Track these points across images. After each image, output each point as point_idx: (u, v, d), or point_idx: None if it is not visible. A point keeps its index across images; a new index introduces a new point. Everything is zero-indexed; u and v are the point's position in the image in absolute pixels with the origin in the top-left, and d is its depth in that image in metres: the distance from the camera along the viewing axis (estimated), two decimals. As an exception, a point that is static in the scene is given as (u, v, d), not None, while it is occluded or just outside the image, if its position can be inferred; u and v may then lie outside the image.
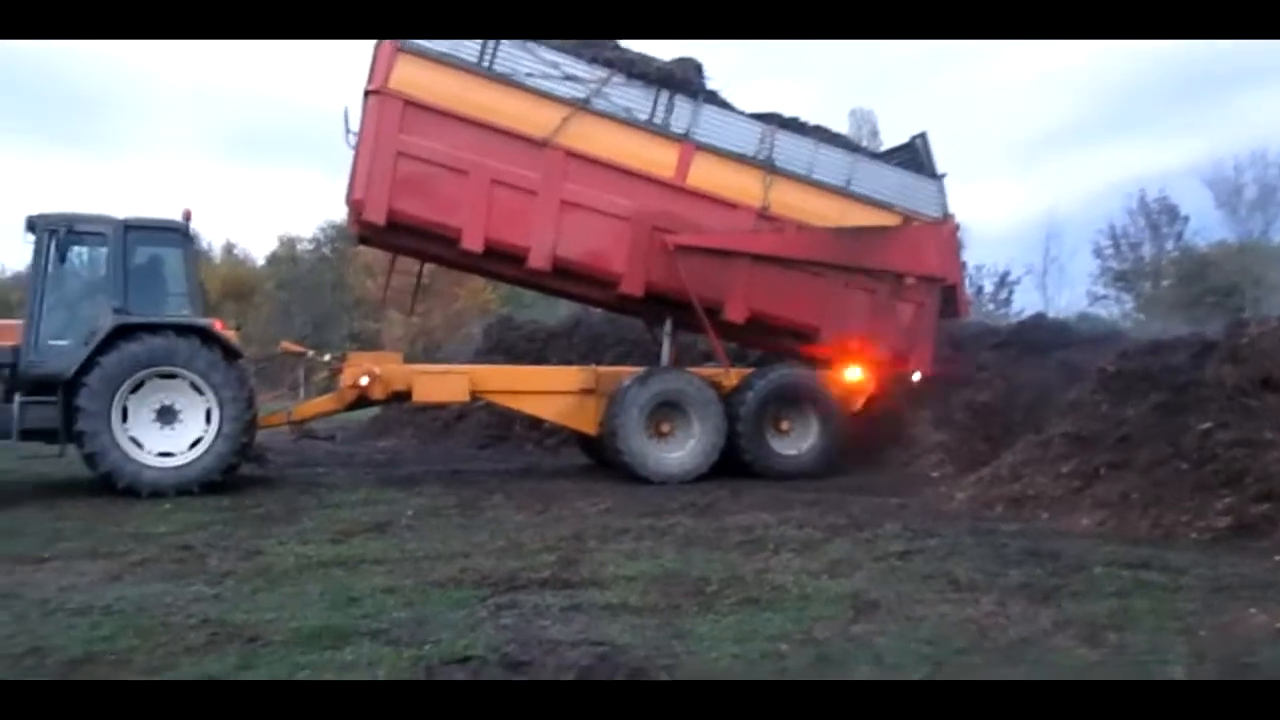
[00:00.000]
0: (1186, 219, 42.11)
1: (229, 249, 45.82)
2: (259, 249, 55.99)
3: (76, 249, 11.09)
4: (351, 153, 11.88)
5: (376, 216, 11.69)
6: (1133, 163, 64.64)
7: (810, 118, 13.10)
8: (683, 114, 12.28)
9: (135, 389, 10.57)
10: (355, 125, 11.85)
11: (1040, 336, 15.15)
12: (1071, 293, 47.16)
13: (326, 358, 14.01)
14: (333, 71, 59.87)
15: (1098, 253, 43.45)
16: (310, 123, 67.32)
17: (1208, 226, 42.83)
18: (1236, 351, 9.39)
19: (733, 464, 12.20)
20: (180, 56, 72.27)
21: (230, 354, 10.99)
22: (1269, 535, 7.45)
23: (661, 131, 12.22)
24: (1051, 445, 9.73)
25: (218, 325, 11.25)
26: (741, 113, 12.63)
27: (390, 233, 12.10)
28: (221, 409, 10.73)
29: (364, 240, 13.42)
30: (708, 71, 12.66)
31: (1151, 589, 6.04)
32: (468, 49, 11.64)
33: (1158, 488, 8.41)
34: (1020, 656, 4.73)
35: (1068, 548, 7.28)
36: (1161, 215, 42.27)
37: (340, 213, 41.37)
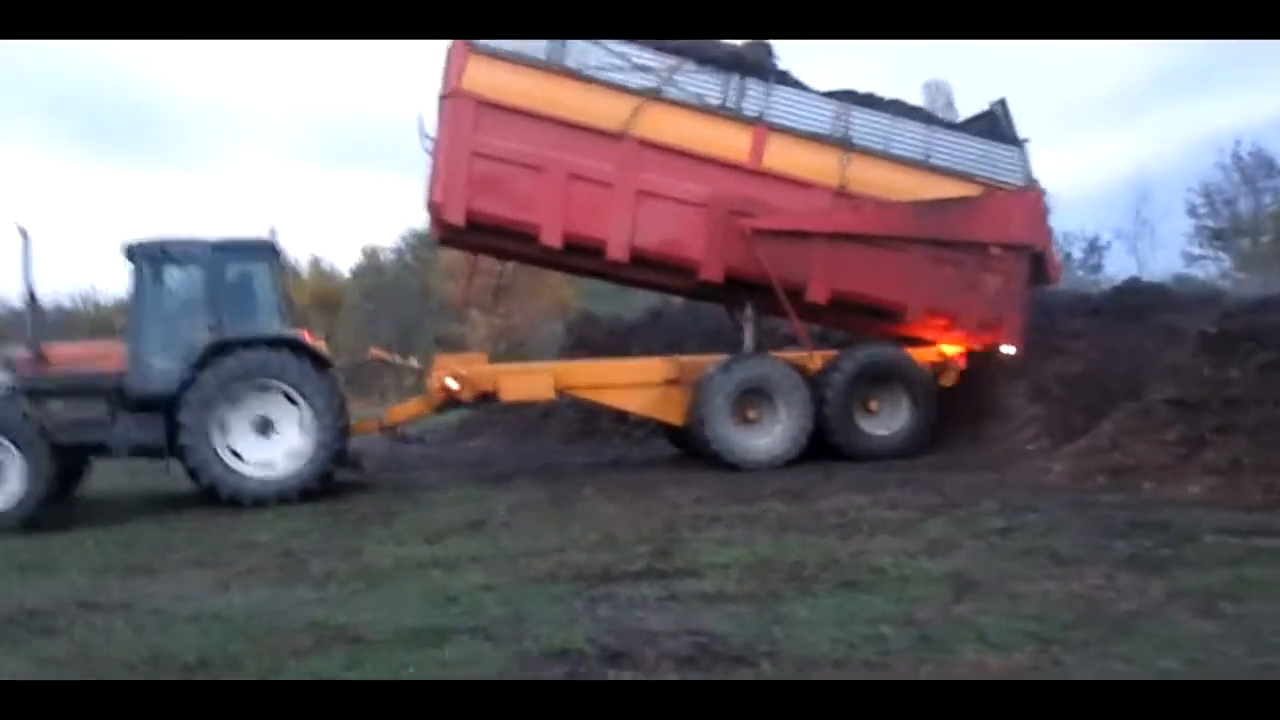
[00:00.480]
0: (1284, 171, 40.41)
1: (315, 262, 46.85)
2: (344, 260, 57.34)
3: (171, 272, 11.44)
4: (428, 157, 12.05)
5: (456, 218, 11.85)
6: (1222, 115, 62.18)
7: (884, 93, 12.91)
8: (755, 96, 12.18)
9: (233, 402, 10.88)
10: (430, 130, 12.02)
11: (1135, 301, 14.68)
12: (1166, 255, 45.58)
13: (414, 362, 14.23)
14: (406, 77, 60.82)
15: (1191, 211, 41.89)
16: (387, 130, 68.44)
17: (1308, 178, 40.88)
18: (1347, 305, 8.98)
19: (823, 447, 12.07)
20: (255, 68, 74.07)
21: (321, 363, 11.23)
22: (1392, 495, 7.12)
23: (734, 115, 12.14)
24: (1153, 412, 9.42)
25: (307, 336, 11.51)
26: (815, 91, 12.48)
27: (470, 233, 12.25)
28: (315, 418, 10.98)
29: (445, 242, 13.61)
30: (778, 52, 12.56)
31: (1268, 556, 5.82)
32: (537, 46, 11.71)
33: (1270, 451, 8.08)
34: (1133, 630, 4.58)
35: (1176, 517, 7.04)
36: (1257, 168, 40.60)
37: (421, 219, 42.13)
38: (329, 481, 11.27)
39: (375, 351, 15.38)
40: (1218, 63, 60.31)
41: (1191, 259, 41.30)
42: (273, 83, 73.87)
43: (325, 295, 41.31)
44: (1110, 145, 62.62)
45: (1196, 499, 7.87)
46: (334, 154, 71.78)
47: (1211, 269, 40.19)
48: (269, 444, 11.02)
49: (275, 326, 11.34)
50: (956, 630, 4.70)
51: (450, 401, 12.70)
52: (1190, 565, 5.71)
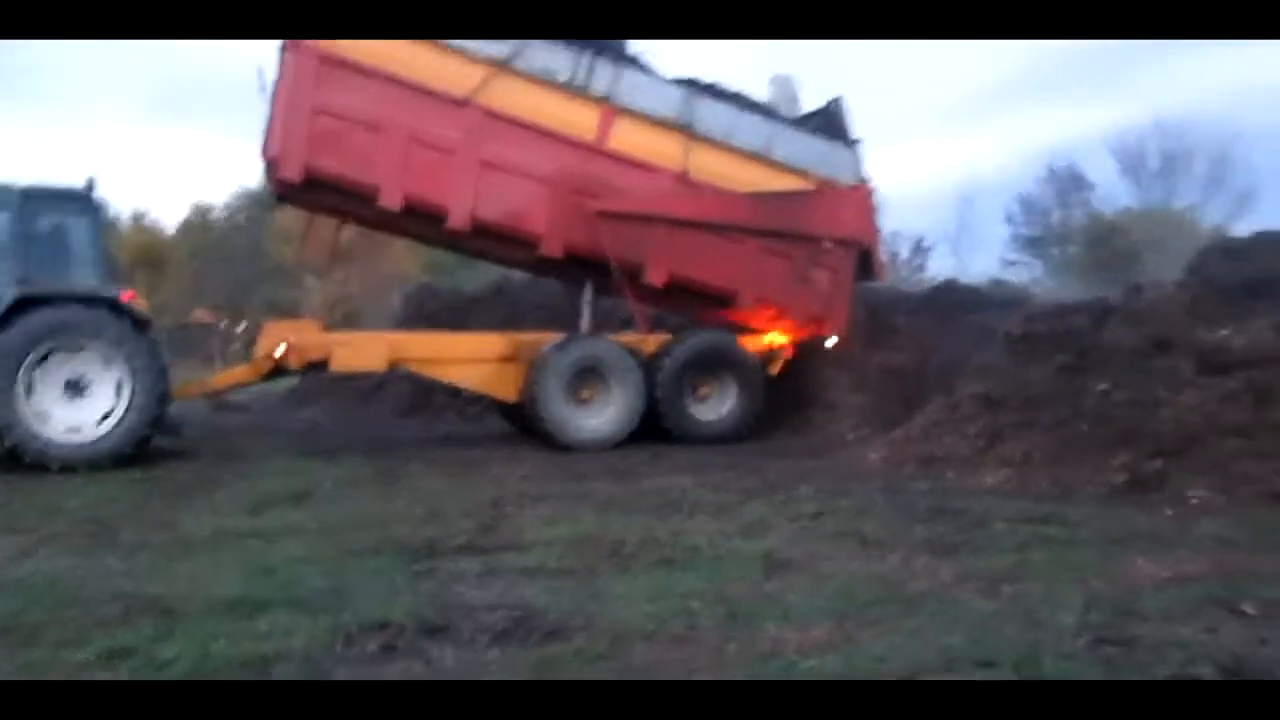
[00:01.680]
0: (1093, 187, 43.34)
1: (138, 217, 44.49)
2: (170, 216, 54.58)
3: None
4: (266, 110, 11.67)
5: (293, 174, 11.54)
6: (1043, 131, 66.13)
7: (731, 85, 13.22)
8: (604, 77, 12.27)
9: (41, 361, 10.31)
10: (269, 82, 11.67)
11: (953, 301, 15.50)
12: (984, 258, 48.25)
13: (242, 327, 13.79)
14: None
15: (1009, 219, 44.50)
16: (218, 82, 65.33)
17: (1113, 194, 43.99)
18: (1134, 315, 9.77)
19: (653, 429, 12.33)
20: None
21: (141, 325, 10.76)
22: (1161, 490, 7.81)
23: (583, 93, 12.20)
24: (960, 406, 10.03)
25: (127, 295, 11.00)
26: (663, 76, 12.67)
27: (308, 190, 11.96)
28: (133, 381, 10.51)
29: (281, 199, 13.23)
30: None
31: (1049, 542, 6.31)
32: None
33: (1059, 446, 8.74)
34: (922, 608, 4.92)
35: (973, 505, 7.54)
36: (1069, 183, 43.40)
37: (254, 177, 40.55)
38: (145, 448, 10.81)
39: (200, 313, 14.90)
40: (1043, 78, 63.93)
41: (1007, 264, 43.85)
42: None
43: (148, 252, 39.33)
44: (940, 151, 65.63)
45: (992, 488, 8.44)
46: (161, 106, 68.17)
47: (1024, 274, 42.72)
48: (80, 406, 10.49)
49: (92, 282, 10.79)
50: (763, 606, 4.94)
51: (279, 369, 12.37)
52: (979, 549, 6.14)
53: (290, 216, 32.23)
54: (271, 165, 11.77)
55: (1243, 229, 19.87)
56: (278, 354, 11.96)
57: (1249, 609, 4.71)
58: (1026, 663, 3.97)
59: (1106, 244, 36.47)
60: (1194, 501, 7.48)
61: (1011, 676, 3.82)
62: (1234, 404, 8.15)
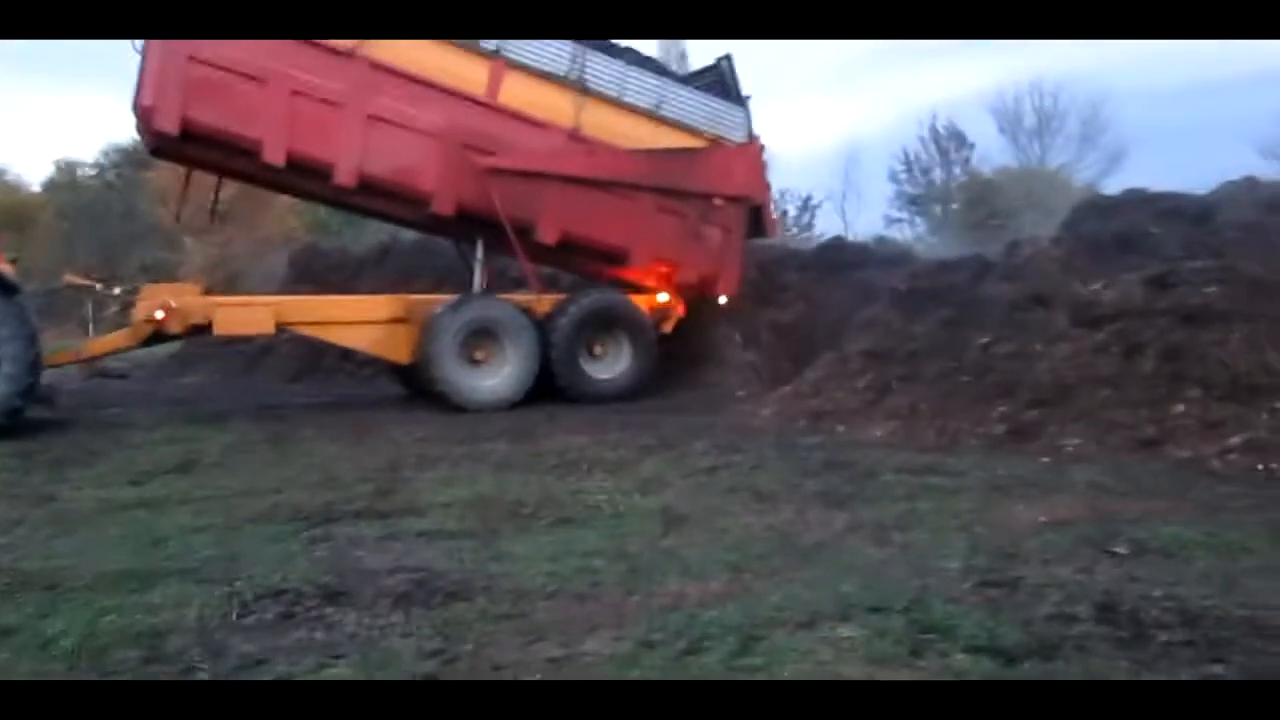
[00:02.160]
0: (973, 146, 44.52)
1: (-1, 174, 42.25)
2: (34, 173, 51.89)
3: None
4: (138, 58, 11.19)
5: (168, 125, 11.08)
6: (925, 91, 67.60)
7: (621, 41, 13.15)
8: None
9: (-101, 329, 9.77)
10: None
11: (840, 259, 15.85)
12: (869, 216, 49.26)
13: (117, 291, 13.26)
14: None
15: (893, 177, 45.46)
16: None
17: (992, 153, 45.32)
18: (1012, 270, 10.13)
19: (549, 389, 12.33)
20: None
21: (7, 288, 10.26)
22: (1038, 439, 8.15)
23: (472, 48, 11.99)
24: (849, 361, 10.28)
25: (-9, 258, 10.48)
26: (553, 33, 12.53)
27: (185, 144, 11.52)
28: (0, 349, 10.04)
29: (156, 153, 12.71)
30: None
31: (935, 492, 6.54)
32: None
33: (943, 398, 9.04)
34: (817, 558, 5.07)
35: (862, 457, 7.76)
36: (950, 142, 44.49)
37: (126, 135, 38.82)
38: (17, 419, 10.34)
39: (71, 277, 14.23)
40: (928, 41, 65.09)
41: (891, 221, 44.89)
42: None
43: (11, 211, 37.45)
44: (824, 110, 66.46)
45: (880, 441, 8.70)
46: (18, 58, 64.49)
47: (908, 232, 43.83)
48: (-56, 376, 9.99)
49: (-48, 246, 10.25)
50: (662, 562, 5.02)
51: (158, 334, 11.96)
52: (869, 500, 6.34)
53: (166, 175, 31.05)
54: (145, 116, 11.28)
55: (1113, 187, 20.71)
56: (158, 317, 11.55)
57: (1120, 549, 4.98)
58: (916, 606, 4.13)
59: (985, 202, 37.60)
60: (1068, 449, 7.83)
61: (901, 621, 3.98)
62: (1105, 355, 8.54)
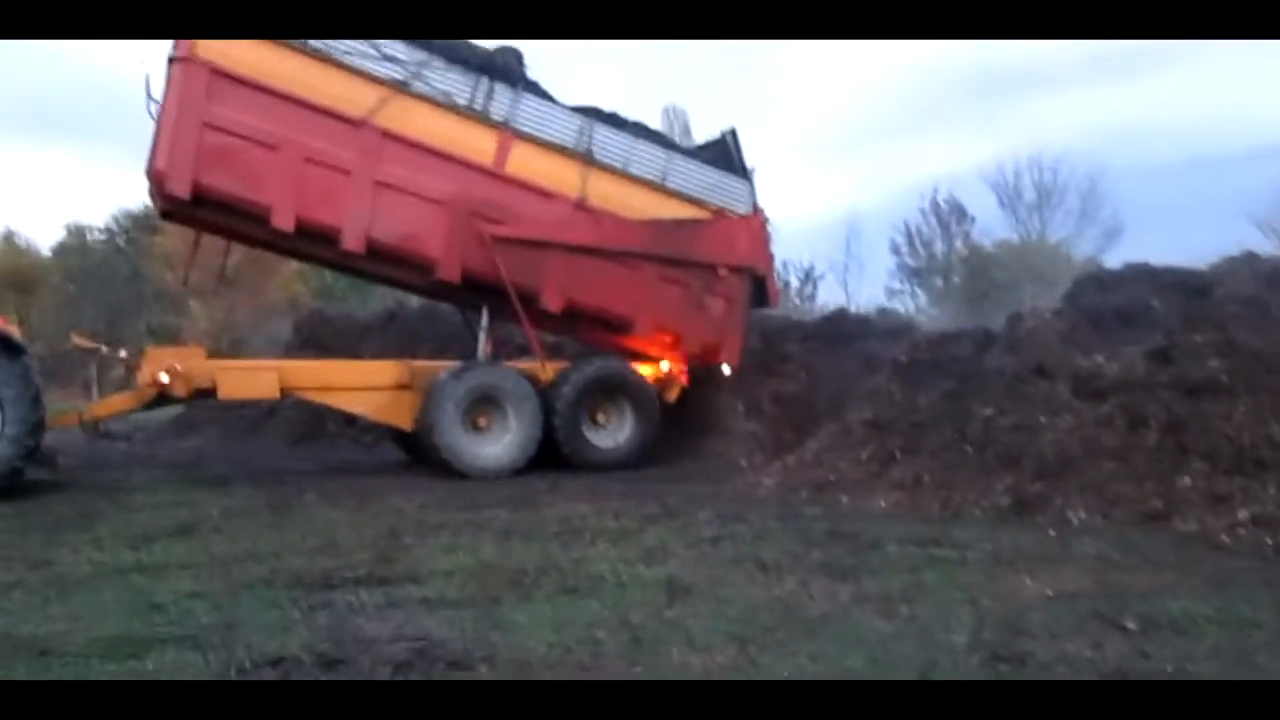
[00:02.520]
0: (973, 219, 44.88)
1: (8, 237, 42.59)
2: (44, 237, 52.33)
3: None
4: (153, 122, 11.37)
5: (180, 190, 11.22)
6: (926, 165, 68.44)
7: (626, 113, 13.36)
8: (502, 101, 12.28)
9: (-97, 389, 9.79)
10: (157, 93, 11.40)
11: (842, 329, 15.90)
12: (871, 288, 49.46)
13: (122, 353, 13.28)
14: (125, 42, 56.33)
15: (894, 250, 45.72)
16: (98, 99, 62.93)
17: (992, 226, 45.70)
18: (1014, 342, 10.15)
19: (551, 457, 12.29)
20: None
21: (13, 349, 10.30)
22: (1044, 511, 8.10)
23: (481, 117, 12.18)
24: (852, 432, 10.26)
25: (-2, 320, 10.53)
26: (561, 104, 12.73)
27: (196, 208, 11.66)
28: (3, 409, 10.06)
29: (167, 216, 12.86)
30: (529, 61, 12.75)
31: (941, 563, 6.48)
32: None
33: (947, 470, 9.01)
34: (822, 630, 5.01)
35: (866, 528, 7.71)
36: (951, 215, 44.88)
37: (136, 200, 39.27)
38: (18, 480, 10.32)
39: (78, 339, 14.26)
40: (923, 113, 66.15)
41: (892, 293, 45.05)
42: (-33, 36, 66.16)
43: (20, 274, 37.72)
44: (825, 182, 67.06)
45: (884, 511, 8.65)
46: (35, 121, 65.39)
47: (910, 303, 43.97)
48: (-54, 437, 9.99)
49: (-40, 308, 10.31)
50: (666, 632, 4.96)
51: (162, 397, 11.97)
52: (874, 572, 6.28)
53: (173, 240, 31.35)
54: (157, 180, 11.43)
55: (1113, 260, 20.85)
56: (162, 380, 11.57)
57: (1130, 624, 4.92)
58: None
59: (986, 275, 37.81)
60: (1075, 522, 7.78)
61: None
62: (1109, 428, 8.52)
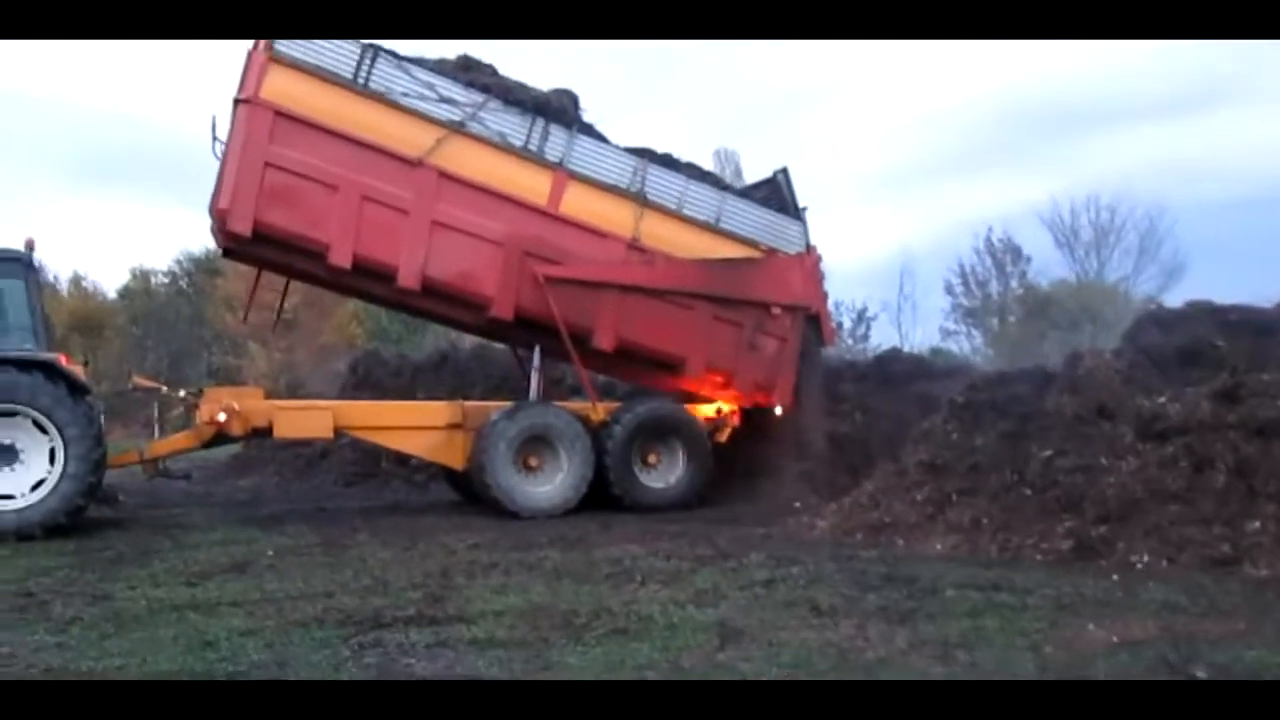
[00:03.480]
0: (1029, 258, 44.36)
1: (77, 281, 43.69)
2: (110, 281, 53.59)
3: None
4: (218, 162, 11.65)
5: (242, 227, 11.46)
6: (979, 204, 67.82)
7: (679, 155, 13.42)
8: (557, 143, 12.40)
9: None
10: (222, 134, 11.67)
11: (896, 370, 15.69)
12: (925, 328, 48.98)
13: (182, 393, 13.51)
14: (189, 91, 57.95)
15: (948, 290, 45.31)
16: (163, 148, 64.69)
17: (1048, 266, 45.11)
18: (1074, 383, 9.95)
19: (602, 497, 12.24)
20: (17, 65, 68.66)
21: (77, 390, 10.52)
22: (1107, 556, 7.90)
23: (536, 159, 12.31)
24: (907, 474, 10.09)
25: (63, 360, 10.76)
26: (615, 145, 12.83)
27: (256, 245, 11.88)
28: (66, 448, 10.25)
29: (228, 253, 13.10)
30: (584, 104, 12.88)
31: (1001, 609, 6.33)
32: (343, 63, 11.56)
33: (1005, 512, 8.82)
34: (878, 677, 4.89)
35: (923, 571, 7.56)
36: (1006, 254, 44.40)
37: (198, 243, 40.18)
38: (79, 517, 10.51)
39: (139, 379, 14.53)
40: (978, 153, 65.71)
41: (947, 333, 44.59)
42: (30, 81, 68.56)
43: (87, 317, 38.59)
44: (877, 222, 66.71)
45: (941, 555, 8.48)
46: (101, 168, 67.34)
47: (965, 344, 43.48)
48: (11, 474, 10.19)
49: (27, 347, 10.55)
50: (718, 676, 4.88)
51: (220, 436, 12.13)
52: (932, 617, 6.14)
53: (233, 284, 31.97)
54: (220, 218, 11.68)
55: (1173, 300, 20.45)
56: (220, 420, 11.74)
57: (1200, 673, 4.74)
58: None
59: (1044, 315, 37.30)
60: (1139, 566, 7.57)
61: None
62: (1173, 470, 8.30)
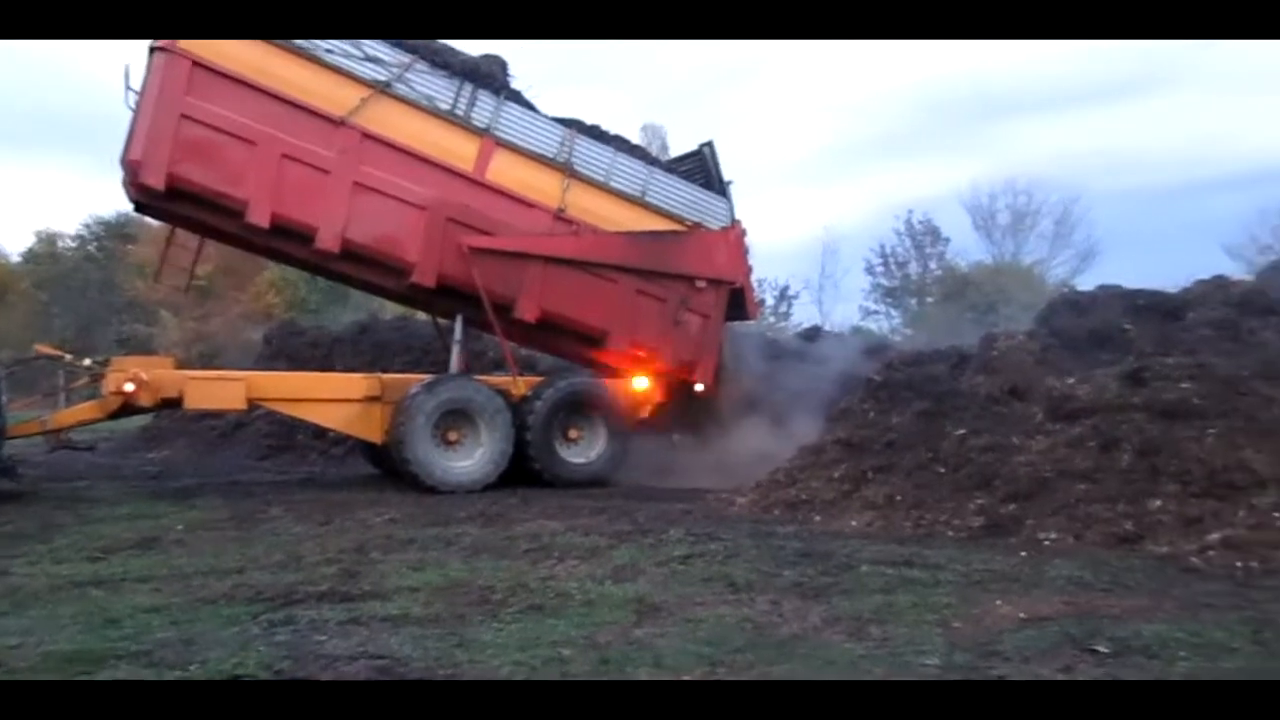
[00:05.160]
0: (948, 240, 45.28)
1: (-24, 245, 42.15)
2: (13, 245, 51.68)
3: None
4: (131, 113, 11.22)
5: (155, 180, 11.07)
6: (902, 186, 68.85)
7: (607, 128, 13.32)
8: (485, 109, 12.22)
9: None
10: (136, 83, 11.26)
11: (817, 348, 15.89)
12: (846, 307, 49.71)
13: (87, 362, 13.06)
14: (101, 43, 55.77)
15: (869, 270, 46.02)
16: (72, 105, 62.34)
17: (967, 248, 46.13)
18: (988, 363, 10.15)
19: (523, 473, 12.17)
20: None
21: (-25, 358, 10.12)
22: (1016, 533, 8.07)
23: (463, 123, 12.11)
24: (825, 451, 10.20)
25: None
26: (544, 114, 12.68)
27: (169, 200, 11.47)
28: (-36, 418, 9.87)
29: (140, 208, 12.64)
30: (512, 71, 12.70)
31: (913, 585, 6.43)
32: None
33: (920, 490, 8.97)
34: (792, 652, 4.94)
35: (838, 548, 7.65)
36: (926, 236, 45.22)
37: (109, 207, 38.96)
38: (-24, 490, 10.15)
39: (42, 347, 14.03)
40: (900, 136, 66.61)
41: (867, 313, 45.33)
42: (-60, 41, 65.32)
43: (-12, 282, 37.27)
44: (801, 201, 67.46)
45: (857, 531, 8.59)
46: (3, 127, 64.69)
47: (884, 323, 44.23)
48: (-96, 445, 9.79)
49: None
50: (634, 653, 4.88)
51: (128, 407, 11.78)
52: (846, 592, 6.22)
53: (146, 249, 31.03)
54: (132, 170, 11.26)
55: (1086, 284, 20.98)
56: (127, 390, 11.39)
57: (1101, 647, 4.88)
58: (894, 705, 4.00)
59: (961, 296, 38.04)
60: (1046, 543, 7.75)
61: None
62: (1081, 450, 8.51)
